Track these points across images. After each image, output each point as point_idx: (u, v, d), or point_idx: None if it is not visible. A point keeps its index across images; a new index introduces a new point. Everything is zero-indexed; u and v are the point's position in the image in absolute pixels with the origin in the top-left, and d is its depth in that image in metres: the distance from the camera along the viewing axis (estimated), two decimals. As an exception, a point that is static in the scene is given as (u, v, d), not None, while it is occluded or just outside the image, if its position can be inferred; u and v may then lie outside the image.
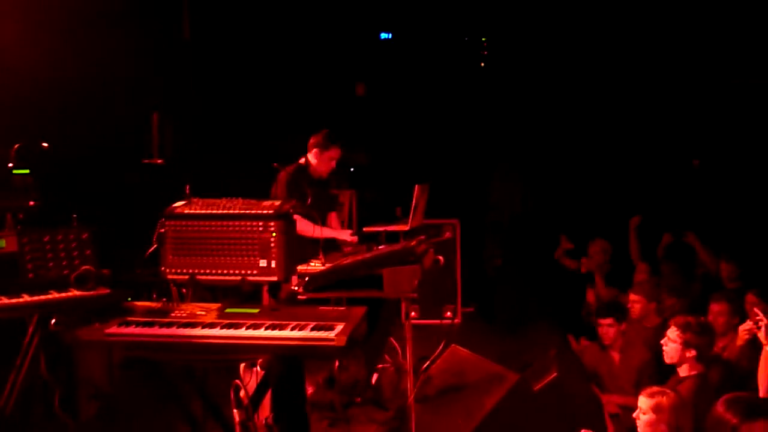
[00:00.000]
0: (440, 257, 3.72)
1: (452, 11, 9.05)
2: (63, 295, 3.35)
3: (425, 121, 9.07)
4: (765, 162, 7.85)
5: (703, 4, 8.19)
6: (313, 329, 3.03)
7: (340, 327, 3.02)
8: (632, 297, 5.50)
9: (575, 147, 8.92)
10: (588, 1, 8.66)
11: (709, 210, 7.98)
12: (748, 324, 4.21)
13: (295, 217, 3.61)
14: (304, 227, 4.47)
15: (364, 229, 5.67)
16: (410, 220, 5.48)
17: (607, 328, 5.17)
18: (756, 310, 3.95)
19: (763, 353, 3.67)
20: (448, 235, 7.12)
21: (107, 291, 3.41)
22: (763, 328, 3.65)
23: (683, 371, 4.15)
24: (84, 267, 3.45)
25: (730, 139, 8.45)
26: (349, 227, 6.86)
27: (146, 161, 5.58)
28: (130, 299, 3.49)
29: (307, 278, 3.28)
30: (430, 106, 9.12)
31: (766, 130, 7.98)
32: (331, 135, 5.11)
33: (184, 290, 3.58)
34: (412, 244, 3.49)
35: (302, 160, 5.17)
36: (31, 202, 3.72)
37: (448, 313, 7.23)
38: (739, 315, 4.85)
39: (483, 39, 9.74)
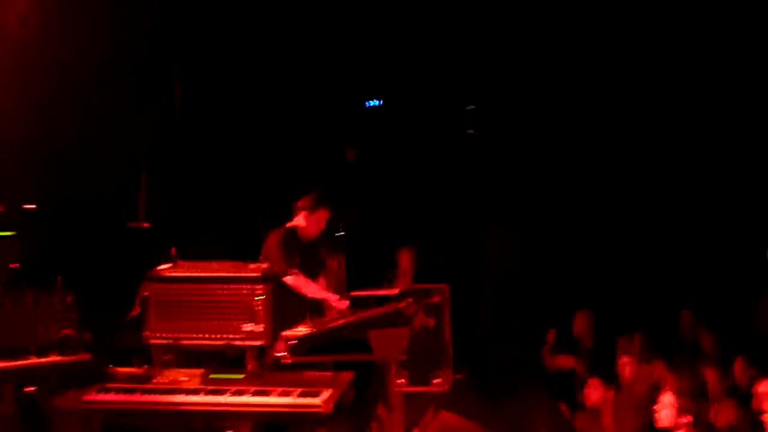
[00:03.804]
0: (430, 320, 3.67)
1: (443, 80, 9.22)
2: (43, 360, 3.27)
3: (415, 186, 9.12)
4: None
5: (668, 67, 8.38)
6: (299, 395, 2.96)
7: (327, 393, 2.95)
8: (623, 359, 5.35)
9: (566, 211, 8.97)
10: (572, 74, 8.85)
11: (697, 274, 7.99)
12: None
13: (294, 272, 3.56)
14: (300, 283, 4.47)
15: (352, 293, 5.61)
16: (398, 284, 5.44)
17: (592, 389, 5.08)
18: None
19: None
20: (437, 298, 7.04)
21: (88, 356, 3.33)
22: None
23: (679, 438, 4.06)
24: (65, 331, 3.39)
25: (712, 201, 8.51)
26: (339, 292, 6.79)
27: (133, 225, 5.56)
28: (110, 365, 3.40)
29: (295, 342, 3.22)
30: (420, 173, 9.19)
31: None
32: (319, 197, 5.13)
33: (165, 357, 3.49)
34: (401, 306, 3.45)
35: (291, 225, 5.15)
36: (14, 264, 3.67)
37: (438, 380, 7.08)
38: (728, 380, 4.80)
39: (473, 107, 9.91)
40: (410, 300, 3.71)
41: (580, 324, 6.85)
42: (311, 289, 4.39)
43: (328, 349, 3.38)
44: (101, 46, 5.59)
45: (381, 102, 9.62)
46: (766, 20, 7.31)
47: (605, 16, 8.16)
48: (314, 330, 3.63)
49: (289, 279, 4.65)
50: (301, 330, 3.95)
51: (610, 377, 5.16)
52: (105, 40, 5.62)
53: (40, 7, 5.12)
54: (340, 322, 3.68)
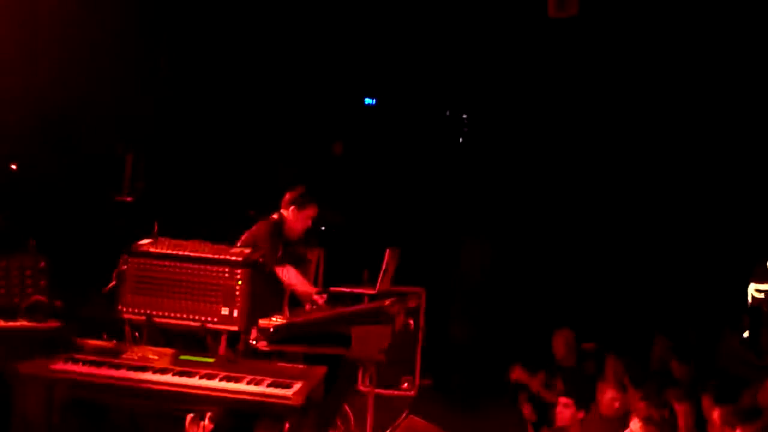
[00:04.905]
0: (411, 320, 3.64)
1: (438, 86, 9.23)
2: (10, 324, 3.20)
3: (400, 187, 9.11)
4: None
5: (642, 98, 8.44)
6: (270, 385, 2.91)
7: (298, 386, 2.90)
8: (609, 393, 5.03)
9: (547, 227, 8.99)
10: (560, 90, 8.88)
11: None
12: None
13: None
14: (288, 277, 4.46)
15: (331, 289, 5.56)
16: (379, 284, 5.40)
17: (564, 408, 5.05)
18: None
19: None
20: (413, 303, 7.00)
21: (57, 324, 3.25)
22: None
23: (643, 465, 4.06)
24: (36, 297, 3.31)
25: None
26: (315, 286, 6.73)
27: (117, 197, 5.48)
28: (79, 336, 3.33)
29: (273, 328, 3.17)
30: (406, 174, 9.18)
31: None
32: (308, 193, 5.05)
33: (136, 333, 3.43)
34: (386, 303, 3.40)
35: (276, 216, 5.07)
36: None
37: (406, 384, 7.04)
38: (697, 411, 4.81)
39: (464, 116, 9.93)
40: (393, 299, 3.67)
41: (560, 342, 6.70)
42: (298, 281, 4.37)
43: (306, 340, 3.33)
44: (89, 19, 5.50)
45: (375, 101, 9.59)
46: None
47: (590, 32, 8.18)
48: (293, 320, 3.58)
49: (279, 272, 4.62)
50: (280, 319, 3.91)
51: (583, 398, 5.13)
52: (92, 14, 5.54)
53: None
54: (320, 314, 3.63)
